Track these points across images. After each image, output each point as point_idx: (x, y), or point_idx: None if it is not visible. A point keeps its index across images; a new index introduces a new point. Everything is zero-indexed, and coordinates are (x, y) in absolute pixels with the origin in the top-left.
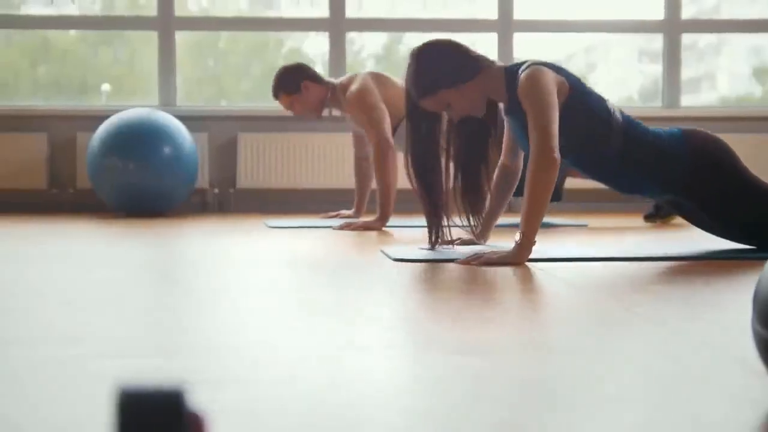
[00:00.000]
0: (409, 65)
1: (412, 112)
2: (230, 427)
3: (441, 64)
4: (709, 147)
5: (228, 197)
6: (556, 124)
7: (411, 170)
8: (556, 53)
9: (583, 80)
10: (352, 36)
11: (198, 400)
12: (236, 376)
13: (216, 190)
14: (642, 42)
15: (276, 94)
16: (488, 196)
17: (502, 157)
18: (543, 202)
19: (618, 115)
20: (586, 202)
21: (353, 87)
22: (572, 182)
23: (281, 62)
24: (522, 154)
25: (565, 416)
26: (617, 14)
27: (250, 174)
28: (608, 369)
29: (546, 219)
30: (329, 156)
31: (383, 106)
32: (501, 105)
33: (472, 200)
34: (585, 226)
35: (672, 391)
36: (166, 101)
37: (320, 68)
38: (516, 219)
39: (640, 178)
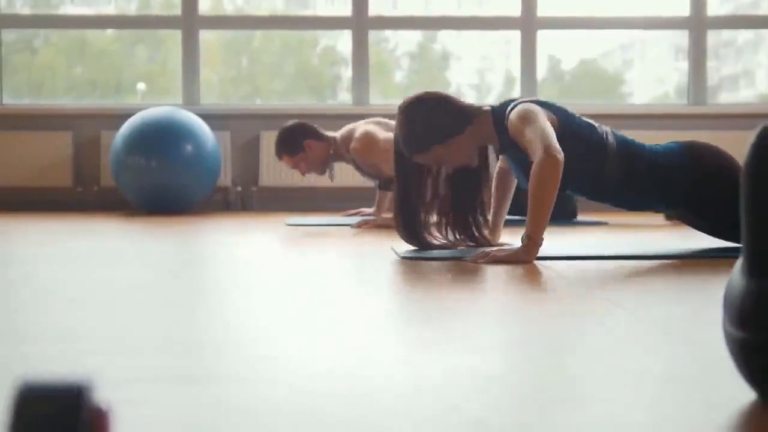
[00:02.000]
0: (398, 121)
1: (400, 162)
2: (230, 425)
3: (431, 120)
4: (707, 158)
5: (250, 195)
6: (551, 130)
7: (398, 217)
8: (592, 51)
9: (569, 111)
10: (387, 35)
11: (101, 396)
12: (230, 374)
13: (239, 189)
14: (678, 39)
15: (279, 156)
16: (483, 230)
17: (499, 162)
18: (547, 201)
19: (611, 138)
20: None
21: (356, 135)
22: None
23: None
24: None
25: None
26: (643, 11)
27: (272, 172)
28: (587, 367)
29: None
30: None
31: (390, 136)
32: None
33: (463, 234)
34: (605, 223)
35: (651, 390)
36: (190, 100)
37: (351, 67)
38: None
39: (645, 196)
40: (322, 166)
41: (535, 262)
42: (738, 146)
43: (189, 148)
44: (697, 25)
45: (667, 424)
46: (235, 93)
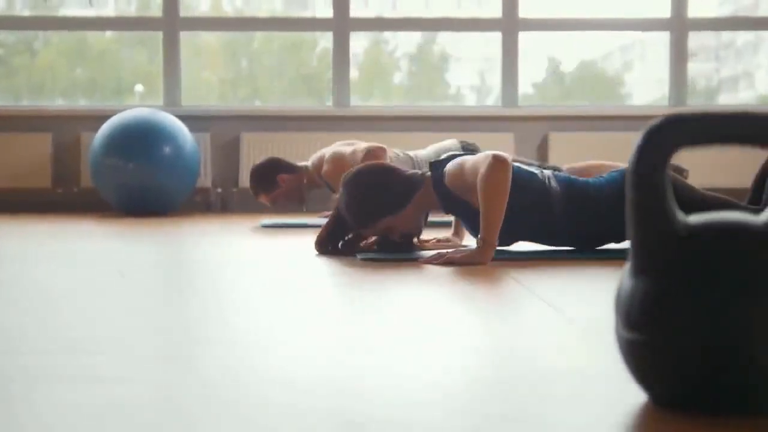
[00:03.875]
0: (344, 194)
1: (339, 221)
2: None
3: (377, 194)
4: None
5: (231, 196)
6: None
7: (322, 242)
8: (591, 53)
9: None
10: (386, 36)
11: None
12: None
13: (219, 190)
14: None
15: (256, 195)
16: None
17: None
18: (498, 203)
19: (554, 183)
20: None
21: (327, 158)
22: None
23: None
24: None
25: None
26: (627, 13)
27: None
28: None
29: None
30: None
31: (357, 148)
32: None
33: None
34: None
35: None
36: (171, 101)
37: (353, 69)
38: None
39: (602, 230)
40: (300, 197)
41: (490, 263)
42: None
43: (167, 149)
44: (678, 26)
45: (557, 422)
46: (236, 95)
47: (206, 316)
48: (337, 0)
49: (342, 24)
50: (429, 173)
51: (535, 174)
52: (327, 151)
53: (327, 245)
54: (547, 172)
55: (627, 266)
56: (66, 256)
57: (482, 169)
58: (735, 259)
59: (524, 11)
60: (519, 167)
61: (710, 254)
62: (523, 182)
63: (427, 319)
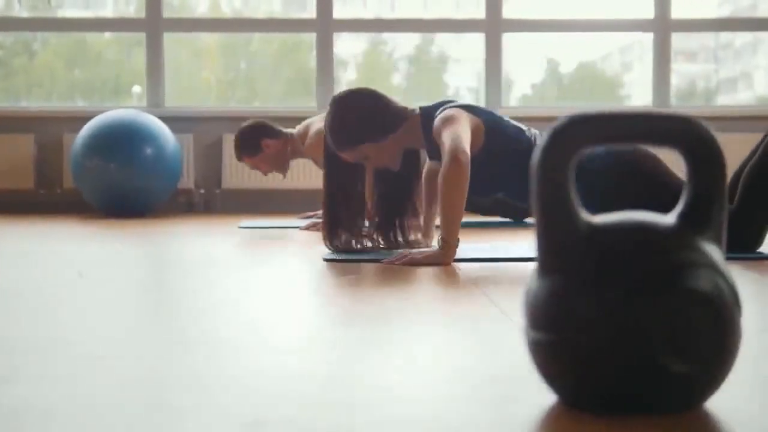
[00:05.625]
0: (329, 113)
1: (330, 156)
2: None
3: (363, 117)
4: (628, 165)
5: (214, 198)
6: (468, 139)
7: (324, 216)
8: (590, 54)
9: (497, 115)
10: (386, 37)
11: None
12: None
13: (202, 191)
14: (676, 41)
15: (239, 158)
16: (411, 232)
17: (427, 165)
18: (457, 204)
19: (540, 141)
20: None
21: (311, 132)
22: None
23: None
24: None
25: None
26: (611, 13)
27: (235, 175)
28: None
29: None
30: None
31: None
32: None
33: (390, 235)
34: None
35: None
36: (154, 102)
37: (352, 70)
38: (494, 217)
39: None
40: (283, 165)
41: (453, 263)
42: (734, 149)
43: (148, 150)
44: (661, 27)
45: (467, 420)
46: (234, 96)
47: (178, 317)
48: (321, 1)
49: (325, 25)
50: (418, 111)
51: (523, 130)
52: (313, 123)
53: (333, 238)
54: (535, 131)
55: (534, 266)
56: (41, 257)
57: (444, 166)
58: (635, 258)
59: (509, 12)
60: (508, 122)
61: (611, 254)
62: (509, 134)
63: (394, 321)
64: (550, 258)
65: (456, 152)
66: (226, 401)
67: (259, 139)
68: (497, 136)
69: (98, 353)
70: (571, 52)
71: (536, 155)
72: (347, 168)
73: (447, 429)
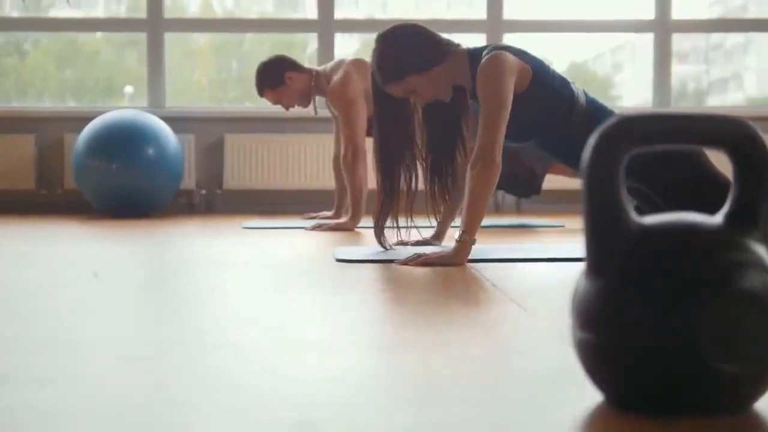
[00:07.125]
0: (375, 49)
1: (379, 97)
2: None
3: (408, 49)
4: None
5: (215, 198)
6: (504, 124)
7: (376, 154)
8: (582, 54)
9: (546, 63)
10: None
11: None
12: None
13: (203, 191)
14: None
15: (261, 91)
16: (459, 184)
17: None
18: (482, 203)
19: (582, 97)
20: (566, 203)
21: (336, 77)
22: (551, 183)
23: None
24: None
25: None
26: (609, 13)
27: (236, 175)
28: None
29: (524, 220)
30: (315, 157)
31: (362, 102)
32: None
33: (441, 186)
34: (561, 226)
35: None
36: (155, 103)
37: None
38: (501, 219)
39: None
40: (306, 99)
41: (467, 264)
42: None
43: (150, 151)
44: (662, 28)
45: (510, 423)
46: (226, 96)
47: (179, 317)
48: (322, 1)
49: (327, 25)
50: (465, 48)
51: (569, 82)
52: (343, 65)
53: (381, 234)
54: (582, 88)
55: (583, 268)
56: (42, 258)
57: (475, 168)
58: (686, 259)
59: (509, 13)
60: (554, 72)
61: (661, 255)
62: (555, 83)
63: (397, 322)
64: (599, 259)
65: (491, 151)
66: (273, 403)
67: (283, 71)
68: (542, 83)
69: (124, 353)
70: (563, 52)
71: (585, 156)
72: (397, 107)
73: (496, 430)
